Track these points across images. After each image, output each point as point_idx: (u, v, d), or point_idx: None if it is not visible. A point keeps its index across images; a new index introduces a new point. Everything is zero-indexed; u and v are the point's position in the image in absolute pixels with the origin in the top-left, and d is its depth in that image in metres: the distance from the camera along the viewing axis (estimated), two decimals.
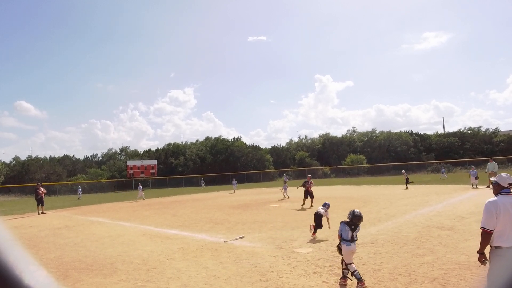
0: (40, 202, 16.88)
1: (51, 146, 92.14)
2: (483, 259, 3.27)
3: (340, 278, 4.84)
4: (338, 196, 18.76)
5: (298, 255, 6.43)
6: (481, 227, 3.23)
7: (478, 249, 3.32)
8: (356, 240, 4.94)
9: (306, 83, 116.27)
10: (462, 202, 13.12)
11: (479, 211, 10.54)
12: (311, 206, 14.07)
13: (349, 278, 4.78)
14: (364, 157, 49.84)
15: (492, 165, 19.40)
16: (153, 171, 48.50)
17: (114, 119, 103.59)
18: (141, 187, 25.25)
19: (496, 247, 3.11)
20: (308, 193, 14.59)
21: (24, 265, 1.00)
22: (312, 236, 7.97)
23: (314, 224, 8.08)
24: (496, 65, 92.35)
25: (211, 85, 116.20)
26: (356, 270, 4.63)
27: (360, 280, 4.54)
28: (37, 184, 17.81)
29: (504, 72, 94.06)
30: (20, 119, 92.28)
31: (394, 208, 12.44)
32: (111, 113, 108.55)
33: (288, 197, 19.26)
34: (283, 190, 19.88)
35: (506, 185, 3.29)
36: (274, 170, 51.09)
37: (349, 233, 4.85)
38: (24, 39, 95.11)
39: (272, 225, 10.15)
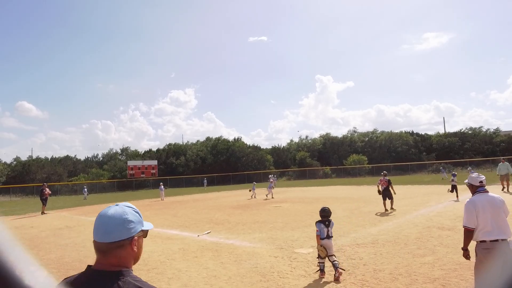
0: (44, 202, 16.92)
1: (51, 146, 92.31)
2: (467, 255, 3.62)
3: (319, 270, 5.28)
4: (339, 196, 18.75)
5: (299, 256, 6.43)
6: (464, 226, 3.52)
7: (462, 246, 3.65)
8: (332, 237, 5.42)
9: (307, 84, 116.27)
10: (462, 202, 13.08)
11: None
12: (391, 208, 12.04)
13: (341, 269, 5.16)
14: (366, 158, 49.83)
15: (504, 166, 15.91)
16: (153, 171, 48.53)
17: (115, 119, 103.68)
18: (162, 187, 25.35)
19: (481, 241, 3.37)
20: (386, 193, 12.10)
21: (24, 266, 1.00)
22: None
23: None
24: (496, 66, 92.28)
25: (211, 86, 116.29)
26: (323, 263, 5.22)
27: (322, 271, 5.18)
28: (43, 184, 17.98)
29: (504, 73, 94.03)
30: (21, 120, 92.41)
31: (395, 208, 12.44)
32: (111, 114, 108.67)
33: (273, 197, 19.85)
34: (269, 189, 20.59)
35: (478, 184, 3.58)
36: (274, 170, 51.03)
37: (325, 230, 5.36)
38: (24, 40, 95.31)
39: (272, 226, 10.15)
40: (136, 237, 1.21)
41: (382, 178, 12.43)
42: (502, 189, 15.98)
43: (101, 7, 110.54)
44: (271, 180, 22.05)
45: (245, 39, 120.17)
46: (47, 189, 17.37)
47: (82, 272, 1.26)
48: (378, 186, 12.74)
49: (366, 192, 20.27)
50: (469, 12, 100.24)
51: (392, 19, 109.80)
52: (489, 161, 40.09)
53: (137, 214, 1.26)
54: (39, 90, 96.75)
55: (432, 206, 12.30)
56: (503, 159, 16.50)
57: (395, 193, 12.37)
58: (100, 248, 1.19)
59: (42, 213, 16.83)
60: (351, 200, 16.34)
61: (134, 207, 1.28)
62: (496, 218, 3.37)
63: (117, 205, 1.25)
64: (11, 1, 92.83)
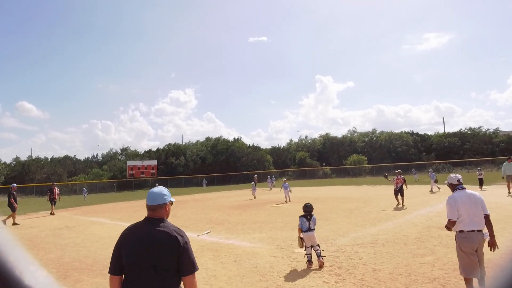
0: (53, 202, 16.77)
1: (51, 146, 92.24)
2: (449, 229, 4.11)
3: (307, 261, 5.77)
4: (339, 196, 18.76)
5: (298, 255, 6.42)
6: (448, 218, 4.00)
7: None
8: (314, 229, 5.91)
9: (307, 84, 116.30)
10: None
11: None
12: (402, 204, 12.74)
13: (323, 257, 5.76)
14: (365, 158, 49.84)
15: (510, 165, 14.43)
16: (153, 171, 48.53)
17: (115, 119, 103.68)
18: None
19: (460, 231, 3.93)
20: (400, 190, 12.89)
21: (24, 265, 1.00)
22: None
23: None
24: (496, 66, 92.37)
25: (211, 86, 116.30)
26: (310, 254, 5.73)
27: (309, 262, 5.71)
28: (53, 184, 17.88)
29: (504, 73, 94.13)
30: (21, 120, 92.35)
31: (405, 205, 12.48)
32: (111, 114, 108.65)
33: (255, 197, 20.13)
34: (253, 190, 20.86)
35: (456, 182, 4.13)
36: (274, 170, 51.07)
37: (306, 223, 5.90)
38: (25, 40, 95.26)
39: (272, 225, 10.15)
40: (168, 203, 2.24)
41: (397, 176, 13.17)
42: (508, 193, 14.13)
43: (102, 8, 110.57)
44: (269, 182, 22.34)
45: (245, 39, 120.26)
46: (56, 189, 17.14)
47: (141, 220, 2.22)
48: (390, 179, 14.28)
49: (366, 192, 20.28)
50: (469, 12, 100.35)
51: (393, 19, 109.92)
52: (489, 161, 40.11)
53: (168, 191, 2.28)
54: (40, 90, 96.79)
55: (432, 206, 12.30)
56: (510, 158, 14.69)
57: (406, 188, 13.42)
58: (151, 208, 2.19)
59: (52, 213, 16.52)
60: (351, 200, 16.34)
61: (166, 188, 2.30)
62: (473, 212, 3.88)
63: (158, 185, 2.44)
64: (12, 1, 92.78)
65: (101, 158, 61.56)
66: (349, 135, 60.13)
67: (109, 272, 2.15)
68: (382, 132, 57.09)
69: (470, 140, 48.61)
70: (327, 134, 61.60)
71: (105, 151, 64.09)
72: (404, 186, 12.99)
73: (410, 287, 4.53)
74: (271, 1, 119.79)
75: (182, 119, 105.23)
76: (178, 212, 15.35)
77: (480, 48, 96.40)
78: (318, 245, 5.84)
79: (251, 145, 57.15)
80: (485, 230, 3.88)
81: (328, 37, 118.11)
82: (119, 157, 59.15)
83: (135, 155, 56.21)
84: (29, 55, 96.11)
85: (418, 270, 5.14)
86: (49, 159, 54.93)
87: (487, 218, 3.90)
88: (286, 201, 17.31)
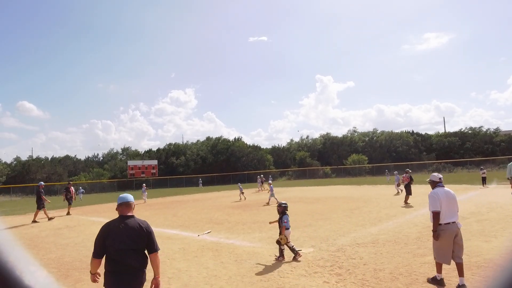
0: (70, 201, 16.48)
1: (52, 146, 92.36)
2: (437, 236, 4.47)
3: (279, 257, 6.21)
4: (339, 196, 18.75)
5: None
6: (433, 211, 4.47)
7: (432, 229, 4.55)
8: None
9: (307, 84, 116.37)
10: (462, 202, 13.09)
11: (479, 211, 10.53)
12: (406, 202, 13.33)
13: (299, 250, 6.30)
14: (366, 158, 49.80)
15: None
16: (153, 171, 48.54)
17: (115, 119, 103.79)
18: (144, 188, 23.21)
19: (439, 224, 4.43)
20: (407, 188, 13.69)
21: (24, 265, 1.01)
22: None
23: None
24: (497, 66, 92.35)
25: (212, 86, 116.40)
26: (293, 245, 6.25)
27: (282, 257, 6.18)
28: (69, 183, 17.77)
29: (505, 73, 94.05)
30: (21, 120, 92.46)
31: (395, 208, 12.44)
32: (112, 114, 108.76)
33: (245, 198, 19.78)
34: (240, 192, 20.28)
35: (438, 180, 4.68)
36: (274, 170, 51.07)
37: (289, 222, 6.39)
38: (25, 40, 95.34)
39: (272, 225, 10.12)
40: (133, 203, 3.25)
41: (405, 175, 14.00)
42: None
43: (102, 8, 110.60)
44: (259, 182, 21.78)
45: (245, 39, 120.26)
46: (72, 188, 16.88)
47: (117, 218, 3.12)
48: (399, 182, 15.71)
49: (366, 192, 20.27)
50: (469, 12, 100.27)
51: (393, 19, 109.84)
52: (489, 161, 40.07)
53: (132, 197, 3.27)
54: (40, 90, 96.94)
55: None
56: None
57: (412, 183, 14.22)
58: (123, 204, 3.16)
59: (68, 213, 16.22)
60: (351, 200, 16.33)
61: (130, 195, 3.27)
62: (450, 206, 4.45)
63: (126, 193, 3.27)
64: (12, 1, 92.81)
65: (101, 158, 61.60)
66: (349, 135, 60.11)
67: (94, 256, 3.04)
68: (382, 132, 57.05)
69: (471, 139, 48.57)
70: (327, 134, 61.64)
71: (106, 151, 64.16)
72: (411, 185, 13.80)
73: (410, 287, 4.52)
74: (271, 1, 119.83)
75: (182, 119, 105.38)
76: (178, 212, 15.35)
77: (480, 48, 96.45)
78: (290, 241, 6.34)
79: (251, 145, 57.20)
80: (458, 220, 4.52)
81: (329, 37, 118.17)
82: (120, 157, 59.17)
83: (135, 155, 56.23)
84: (30, 55, 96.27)
85: (419, 270, 5.14)
86: (49, 159, 54.97)
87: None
88: (268, 203, 16.55)
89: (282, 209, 6.49)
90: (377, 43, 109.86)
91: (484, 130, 50.72)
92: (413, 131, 55.60)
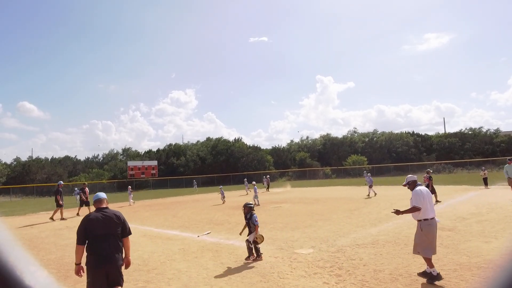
0: (86, 203, 15.85)
1: (52, 147, 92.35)
2: (427, 232, 4.83)
3: (257, 256, 6.34)
4: (339, 197, 18.75)
5: (299, 256, 6.43)
6: (415, 205, 4.84)
7: (401, 212, 5.05)
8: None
9: (307, 84, 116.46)
10: (462, 203, 13.10)
11: (479, 212, 10.53)
12: (436, 200, 13.32)
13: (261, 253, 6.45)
14: (366, 158, 49.78)
15: (510, 168, 13.11)
16: (153, 171, 48.52)
17: (115, 120, 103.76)
18: (130, 190, 21.67)
19: (424, 219, 4.82)
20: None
21: (24, 266, 1.01)
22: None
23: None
24: (497, 66, 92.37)
25: (212, 86, 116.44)
26: (252, 248, 6.39)
27: (259, 255, 6.38)
28: (84, 183, 17.31)
29: (505, 73, 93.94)
30: (22, 120, 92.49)
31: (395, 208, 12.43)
32: (112, 114, 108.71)
33: (258, 203, 18.11)
34: (222, 196, 19.12)
35: (416, 179, 5.19)
36: (274, 171, 51.06)
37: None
38: (26, 40, 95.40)
39: (272, 226, 10.14)
40: (106, 199, 3.96)
41: (425, 175, 13.93)
42: None
43: (102, 8, 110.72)
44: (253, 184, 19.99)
45: (245, 39, 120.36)
46: (87, 189, 16.33)
47: (95, 210, 3.79)
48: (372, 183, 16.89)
49: (366, 193, 20.25)
50: (470, 12, 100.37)
51: (393, 19, 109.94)
52: (490, 162, 40.06)
53: (104, 194, 4.00)
54: (40, 91, 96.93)
55: None
56: (509, 160, 13.42)
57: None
58: (99, 201, 3.86)
59: (78, 214, 15.93)
60: (351, 200, 16.33)
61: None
62: (431, 203, 4.94)
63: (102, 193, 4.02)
64: (12, 1, 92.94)
65: (101, 159, 61.58)
66: (349, 135, 60.12)
67: (78, 243, 3.58)
68: (382, 133, 57.05)
69: (471, 140, 48.52)
70: (327, 134, 61.66)
71: (106, 152, 64.15)
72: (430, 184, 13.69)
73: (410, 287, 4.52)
74: (272, 1, 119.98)
75: (182, 120, 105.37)
76: (179, 212, 15.34)
77: (481, 48, 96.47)
78: None
79: (251, 145, 57.20)
80: (436, 217, 5.01)
81: (329, 37, 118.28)
82: (120, 158, 59.17)
83: (135, 155, 56.22)
84: (30, 55, 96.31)
85: (419, 271, 5.13)
86: (49, 160, 54.99)
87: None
88: (256, 204, 16.09)
89: (248, 210, 6.77)
90: (377, 43, 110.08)
91: (484, 130, 50.71)
92: (413, 132, 55.61)
